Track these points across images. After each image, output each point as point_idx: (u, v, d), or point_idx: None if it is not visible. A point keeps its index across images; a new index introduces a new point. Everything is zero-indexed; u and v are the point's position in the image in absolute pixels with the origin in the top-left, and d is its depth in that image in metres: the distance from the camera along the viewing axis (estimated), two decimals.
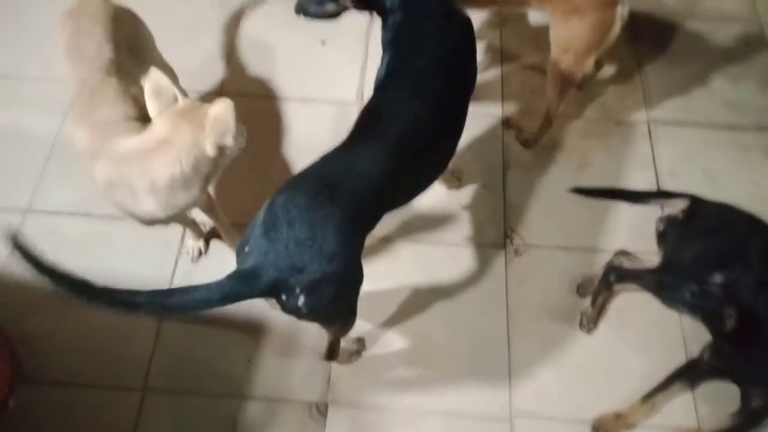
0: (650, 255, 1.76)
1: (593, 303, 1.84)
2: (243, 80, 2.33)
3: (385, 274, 1.91)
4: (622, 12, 1.78)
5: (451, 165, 1.87)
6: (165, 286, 1.33)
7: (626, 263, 1.85)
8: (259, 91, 2.29)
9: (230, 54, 2.39)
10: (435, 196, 2.06)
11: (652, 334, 1.83)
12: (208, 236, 1.96)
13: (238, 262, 1.24)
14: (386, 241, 1.99)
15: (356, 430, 1.71)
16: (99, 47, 1.52)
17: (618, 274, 1.83)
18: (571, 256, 1.97)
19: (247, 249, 1.22)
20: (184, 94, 1.72)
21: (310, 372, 1.76)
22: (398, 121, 1.33)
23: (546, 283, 1.92)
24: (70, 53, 1.55)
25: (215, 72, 2.34)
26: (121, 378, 1.76)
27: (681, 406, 1.73)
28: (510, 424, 1.71)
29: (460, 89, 1.48)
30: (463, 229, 2.02)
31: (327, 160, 1.31)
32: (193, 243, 1.92)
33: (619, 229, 2.00)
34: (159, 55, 1.81)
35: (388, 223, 1.99)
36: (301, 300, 1.18)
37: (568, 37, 1.84)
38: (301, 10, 1.71)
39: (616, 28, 1.81)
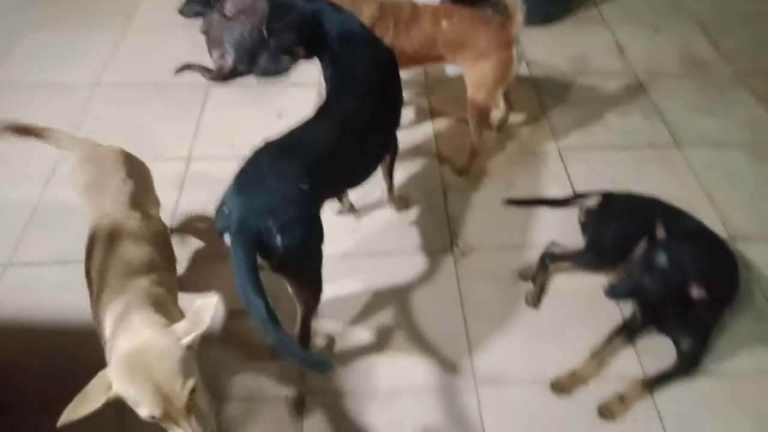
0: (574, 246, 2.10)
1: (534, 282, 2.08)
2: (209, 151, 2.64)
3: (348, 283, 2.11)
4: (517, 51, 2.25)
5: (398, 192, 2.18)
6: None
7: (557, 249, 2.14)
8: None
9: (196, 130, 2.74)
10: (387, 218, 2.35)
11: (590, 303, 2.05)
12: None
13: (219, 223, 1.46)
14: (347, 256, 2.21)
15: (335, 415, 1.79)
16: (123, 183, 1.69)
17: (552, 257, 2.11)
18: (510, 252, 2.24)
19: (226, 210, 1.45)
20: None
21: (284, 369, 1.86)
22: (341, 111, 1.67)
23: (492, 275, 2.16)
24: (91, 190, 1.68)
25: (185, 146, 2.66)
26: None
27: (626, 360, 1.92)
28: (476, 392, 1.83)
29: (389, 91, 1.85)
30: (414, 240, 2.27)
31: (285, 135, 1.60)
32: None
33: (546, 229, 2.30)
34: (155, 192, 1.92)
35: (347, 240, 2.24)
36: (278, 240, 1.39)
37: (479, 77, 2.29)
38: (262, 71, 2.08)
39: (515, 65, 2.28)
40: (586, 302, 2.07)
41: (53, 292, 2.08)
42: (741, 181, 2.53)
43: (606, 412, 1.78)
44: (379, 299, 2.08)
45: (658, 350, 1.93)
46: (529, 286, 2.10)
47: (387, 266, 2.18)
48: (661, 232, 1.88)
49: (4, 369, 1.85)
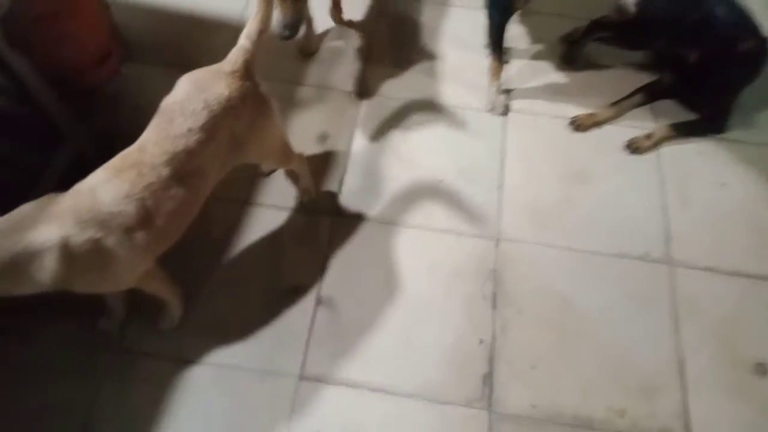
0: None
1: (574, 44, 2.31)
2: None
3: None
4: None
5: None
6: None
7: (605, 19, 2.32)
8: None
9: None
10: None
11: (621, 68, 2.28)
12: None
13: None
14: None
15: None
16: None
17: (599, 24, 2.29)
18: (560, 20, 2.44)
19: None
20: None
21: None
22: None
23: (540, 38, 2.40)
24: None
25: None
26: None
27: (642, 115, 2.20)
28: (504, 118, 2.18)
29: None
30: None
31: None
32: None
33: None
34: None
35: None
36: None
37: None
38: None
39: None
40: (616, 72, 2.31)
41: None
42: None
43: (633, 145, 2.10)
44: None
45: (675, 116, 2.18)
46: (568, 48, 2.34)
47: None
48: None
49: (130, 31, 2.31)
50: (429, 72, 2.31)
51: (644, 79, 2.24)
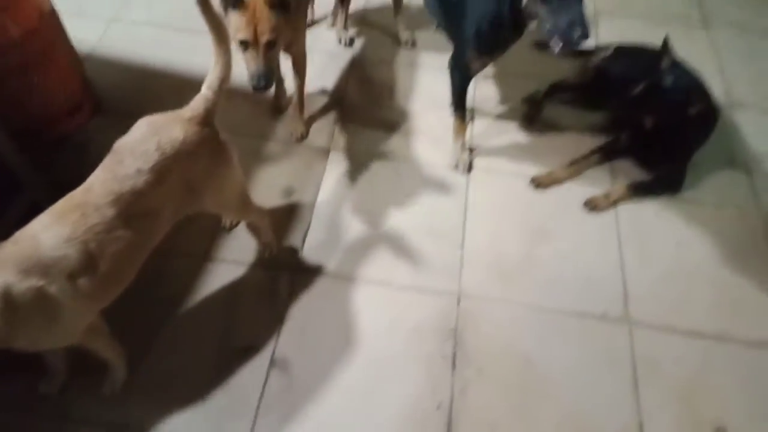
0: None
1: (535, 106, 2.41)
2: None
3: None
4: None
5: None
6: None
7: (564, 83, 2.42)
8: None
9: None
10: None
11: (579, 133, 2.36)
12: None
13: None
14: None
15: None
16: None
17: (559, 87, 2.40)
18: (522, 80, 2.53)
19: None
20: None
21: None
22: None
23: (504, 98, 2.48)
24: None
25: None
26: None
27: (600, 174, 2.25)
28: (466, 179, 2.22)
29: None
30: None
31: None
32: None
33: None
34: None
35: None
36: None
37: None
38: None
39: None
40: (575, 133, 2.39)
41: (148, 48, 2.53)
42: (756, 62, 2.71)
43: (591, 204, 2.14)
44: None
45: (632, 175, 2.24)
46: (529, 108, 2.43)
47: None
48: (666, 62, 2.08)
49: (103, 85, 2.34)
50: (398, 129, 2.36)
51: (602, 140, 2.31)
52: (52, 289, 1.22)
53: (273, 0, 1.68)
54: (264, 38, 1.70)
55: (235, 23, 1.69)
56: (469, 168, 2.24)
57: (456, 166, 2.23)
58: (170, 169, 1.35)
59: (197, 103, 1.44)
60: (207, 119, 1.44)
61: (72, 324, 1.33)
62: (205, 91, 1.45)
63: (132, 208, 1.31)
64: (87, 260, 1.26)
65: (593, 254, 2.02)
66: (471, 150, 2.29)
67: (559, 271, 1.97)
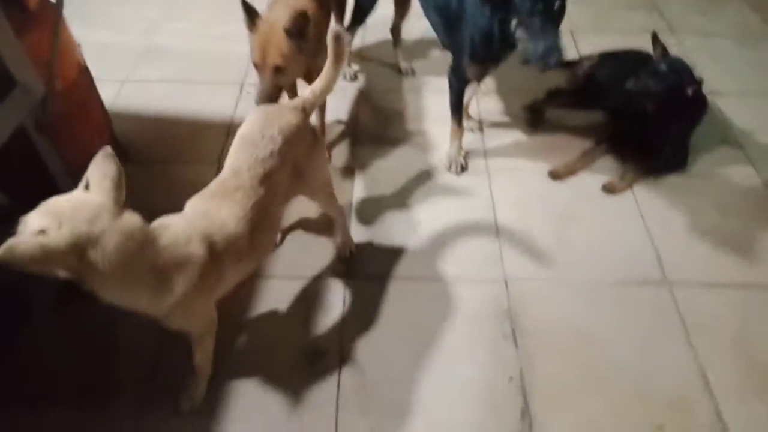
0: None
1: (536, 111, 2.61)
2: None
3: None
4: None
5: None
6: None
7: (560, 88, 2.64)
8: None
9: None
10: None
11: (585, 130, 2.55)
12: None
13: None
14: None
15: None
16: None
17: (556, 92, 2.61)
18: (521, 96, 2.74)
19: None
20: None
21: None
22: None
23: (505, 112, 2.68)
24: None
25: None
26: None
27: (612, 161, 2.43)
28: (488, 176, 2.36)
29: None
30: None
31: None
32: None
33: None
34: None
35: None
36: None
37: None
38: None
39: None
40: (579, 130, 2.58)
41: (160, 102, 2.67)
42: (723, 59, 3.00)
43: (609, 187, 2.29)
44: None
45: (638, 161, 2.41)
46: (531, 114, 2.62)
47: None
48: (658, 51, 2.29)
49: (123, 137, 2.44)
50: (413, 144, 2.52)
51: (605, 133, 2.50)
52: (225, 265, 1.35)
53: (290, 28, 1.74)
54: (270, 62, 1.79)
55: (250, 45, 1.82)
56: (462, 169, 2.38)
57: (449, 167, 2.38)
58: (287, 151, 1.49)
59: (298, 100, 1.62)
60: (305, 112, 1.61)
61: (223, 288, 1.44)
62: (308, 93, 1.63)
63: (273, 188, 1.45)
64: (251, 237, 1.38)
65: (620, 229, 2.16)
66: (465, 153, 2.43)
67: (591, 248, 2.09)
